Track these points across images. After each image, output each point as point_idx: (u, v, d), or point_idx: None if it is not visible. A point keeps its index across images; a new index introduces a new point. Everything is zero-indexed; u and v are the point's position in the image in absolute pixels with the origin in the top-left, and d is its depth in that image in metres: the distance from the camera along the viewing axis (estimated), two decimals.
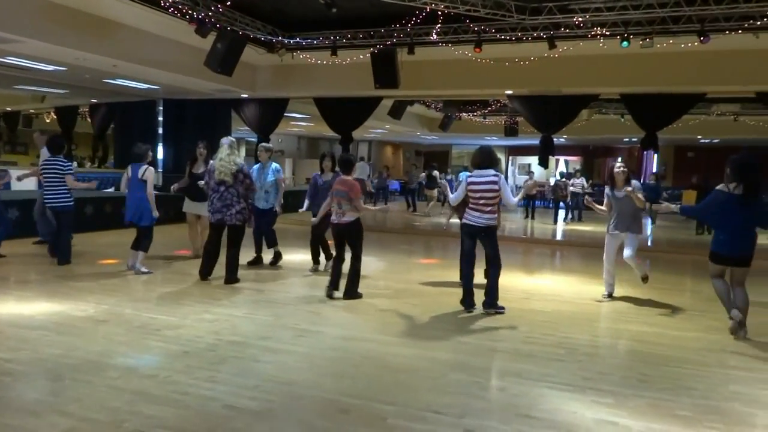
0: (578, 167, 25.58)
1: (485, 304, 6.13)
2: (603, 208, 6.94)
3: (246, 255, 8.36)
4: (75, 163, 20.50)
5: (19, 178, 9.78)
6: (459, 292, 6.56)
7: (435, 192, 18.49)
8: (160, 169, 15.43)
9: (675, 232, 15.31)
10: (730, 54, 10.21)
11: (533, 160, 26.33)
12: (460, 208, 6.33)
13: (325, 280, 7.02)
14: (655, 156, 25.62)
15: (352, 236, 6.51)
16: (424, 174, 19.37)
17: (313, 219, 7.21)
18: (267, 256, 8.60)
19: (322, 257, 8.22)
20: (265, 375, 4.18)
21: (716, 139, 20.96)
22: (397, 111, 16.48)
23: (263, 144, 8.80)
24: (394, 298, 6.83)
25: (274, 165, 8.50)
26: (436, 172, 18.83)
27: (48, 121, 21.19)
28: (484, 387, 4.07)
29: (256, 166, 8.50)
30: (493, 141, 25.97)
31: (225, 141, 7.09)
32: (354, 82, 12.35)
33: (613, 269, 7.03)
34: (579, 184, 17.36)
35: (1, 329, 5.03)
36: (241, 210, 7.04)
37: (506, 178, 6.19)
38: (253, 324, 5.51)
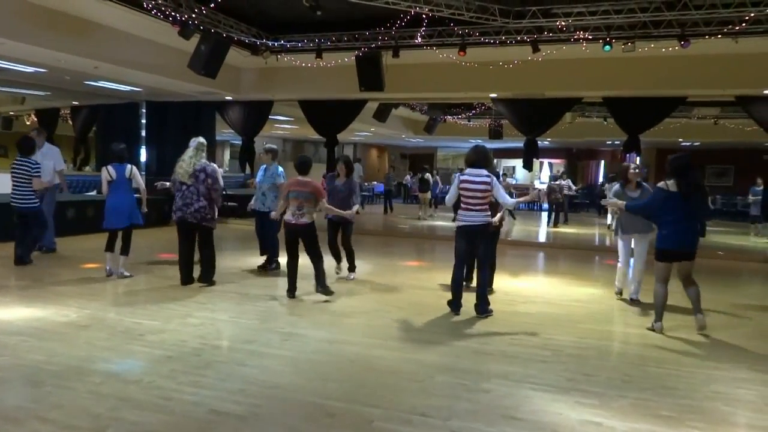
0: (563, 170, 25.81)
1: (478, 310, 6.09)
2: (619, 203, 6.58)
3: (254, 258, 8.33)
4: None
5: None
6: (445, 295, 6.58)
7: (428, 195, 18.51)
8: (143, 172, 15.28)
9: None
10: (710, 58, 10.37)
11: (518, 163, 26.52)
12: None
13: (340, 284, 7.13)
14: (638, 159, 25.91)
15: (307, 238, 6.60)
16: (408, 176, 19.39)
17: (273, 213, 7.14)
18: (257, 260, 8.52)
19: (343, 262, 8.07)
20: (251, 379, 4.15)
21: (697, 142, 21.23)
22: (382, 114, 16.48)
23: (266, 146, 8.61)
24: (379, 300, 6.83)
25: (279, 168, 8.34)
26: (428, 175, 18.84)
27: (28, 123, 20.87)
28: (470, 389, 4.08)
29: (263, 167, 8.41)
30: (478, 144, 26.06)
31: (192, 143, 7.06)
32: (339, 85, 12.35)
33: (626, 269, 7.13)
34: (565, 186, 17.53)
35: None
36: (200, 208, 6.90)
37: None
38: (238, 328, 5.48)
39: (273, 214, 7.14)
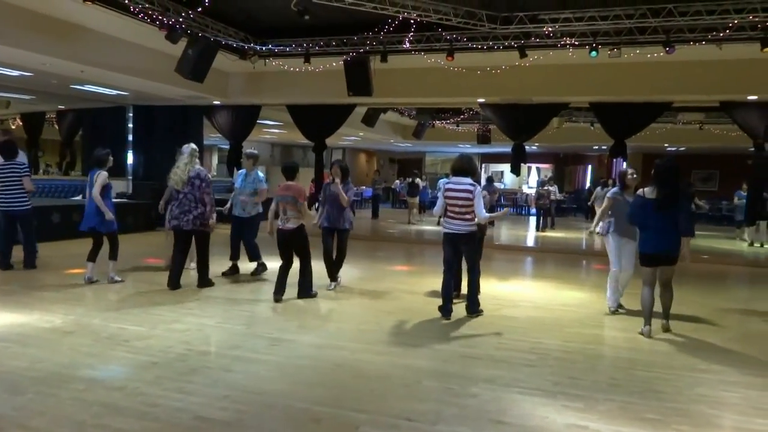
0: (550, 175, 25.95)
1: (468, 309, 6.31)
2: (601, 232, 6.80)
3: (221, 264, 8.30)
4: (41, 170, 20.08)
5: None
6: (434, 300, 6.60)
7: (417, 200, 18.53)
8: (130, 177, 15.18)
9: None
10: (695, 64, 10.48)
11: (506, 168, 26.63)
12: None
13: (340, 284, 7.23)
14: (624, 164, 26.11)
15: (297, 243, 6.64)
16: (398, 181, 19.40)
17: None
18: (243, 265, 8.46)
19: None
20: (237, 385, 4.12)
21: (683, 147, 21.43)
22: (370, 118, 16.49)
23: (247, 151, 8.63)
24: (368, 305, 6.82)
25: (259, 174, 8.37)
26: (418, 180, 18.85)
27: (14, 127, 20.66)
28: (457, 394, 4.08)
29: (240, 172, 8.43)
30: (467, 148, 26.16)
31: (185, 149, 7.08)
32: (327, 90, 12.34)
33: (619, 273, 6.97)
34: (553, 191, 17.67)
35: None
36: (198, 215, 6.96)
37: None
38: (225, 333, 5.44)
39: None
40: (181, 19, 9.24)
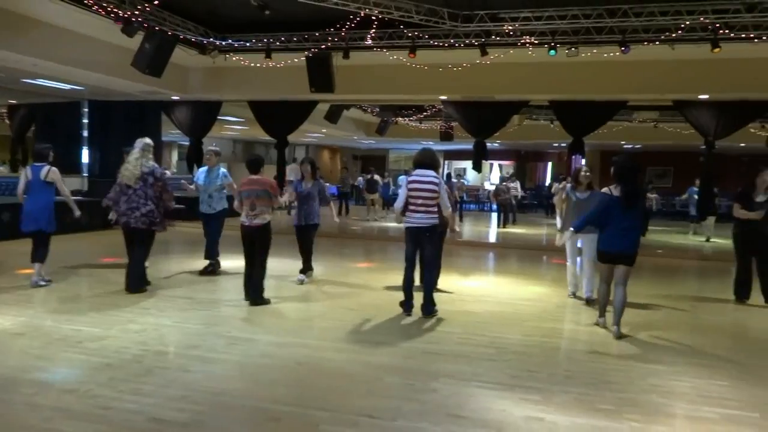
0: (512, 171, 26.32)
1: (423, 310, 6.15)
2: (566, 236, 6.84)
3: (201, 261, 8.18)
4: None
5: None
6: (395, 296, 6.61)
7: (376, 196, 18.57)
8: (85, 174, 14.77)
9: None
10: (649, 64, 10.75)
11: (468, 164, 26.87)
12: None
13: (290, 286, 6.99)
14: (583, 160, 26.67)
15: (261, 240, 6.39)
16: (361, 178, 19.40)
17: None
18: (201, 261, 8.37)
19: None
20: (195, 385, 4.06)
21: (638, 144, 22.01)
22: (333, 115, 16.40)
23: (210, 147, 8.60)
24: (330, 302, 6.80)
25: (223, 169, 8.27)
26: (377, 177, 18.89)
27: None
28: (418, 389, 4.11)
29: (202, 170, 8.31)
30: (429, 145, 26.27)
31: (138, 144, 6.83)
32: (289, 86, 12.22)
33: (575, 268, 7.31)
34: (514, 187, 17.99)
35: None
36: (147, 213, 6.69)
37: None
38: (183, 333, 5.35)
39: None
40: (137, 12, 9.02)
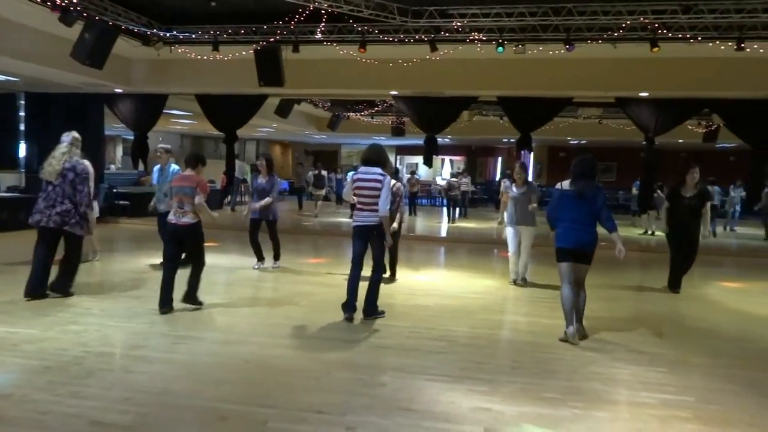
0: (463, 166, 26.65)
1: (365, 313, 5.89)
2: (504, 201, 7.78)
3: (147, 258, 7.96)
4: None
5: None
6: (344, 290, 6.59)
7: (323, 191, 18.54)
8: (23, 169, 14.14)
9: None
10: (593, 62, 11.07)
11: (420, 159, 27.06)
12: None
13: (252, 278, 6.86)
14: (531, 155, 27.29)
15: (191, 240, 5.95)
16: (311, 173, 19.30)
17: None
18: (149, 260, 8.14)
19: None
20: (138, 386, 3.95)
21: (584, 140, 22.66)
22: (283, 109, 16.20)
23: (161, 145, 8.51)
24: (280, 298, 6.74)
25: (174, 166, 8.07)
26: (324, 172, 18.83)
27: None
28: (367, 384, 4.12)
29: (156, 168, 8.22)
30: (381, 140, 26.26)
31: (65, 138, 6.36)
32: (237, 79, 12.01)
33: (516, 258, 7.78)
34: (465, 182, 18.30)
35: None
36: (64, 212, 6.15)
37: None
38: (126, 333, 5.19)
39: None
40: (75, 1, 8.67)
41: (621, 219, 18.53)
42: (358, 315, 5.85)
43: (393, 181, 6.32)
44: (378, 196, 5.66)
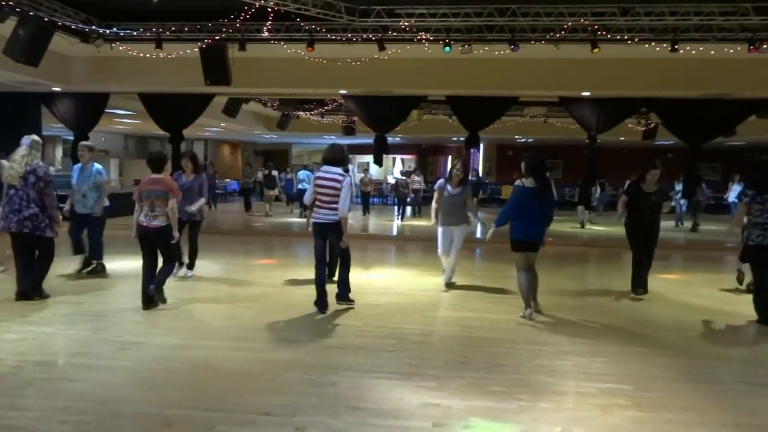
0: (414, 165, 26.86)
1: (337, 297, 6.33)
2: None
3: (66, 265, 7.65)
4: None
5: None
6: (297, 292, 6.59)
7: (275, 192, 18.36)
8: None
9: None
10: (537, 62, 11.33)
11: (371, 159, 27.12)
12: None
13: (198, 281, 6.91)
14: (481, 154, 27.80)
15: (162, 241, 6.05)
16: (260, 173, 19.08)
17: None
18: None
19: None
20: (79, 395, 3.82)
21: (531, 138, 23.19)
22: (231, 109, 15.93)
23: (83, 143, 8.12)
24: (229, 301, 6.63)
25: (97, 166, 7.82)
26: (275, 172, 18.65)
27: None
28: (317, 384, 4.11)
29: (76, 167, 7.88)
30: (332, 140, 26.24)
31: (25, 141, 6.29)
32: (183, 78, 11.73)
33: (447, 258, 7.63)
34: (418, 181, 18.47)
35: None
36: (30, 216, 6.13)
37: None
38: (67, 340, 5.01)
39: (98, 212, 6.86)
40: None
41: (568, 215, 19.14)
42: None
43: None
44: (337, 195, 5.88)
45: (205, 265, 8.39)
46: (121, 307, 6.15)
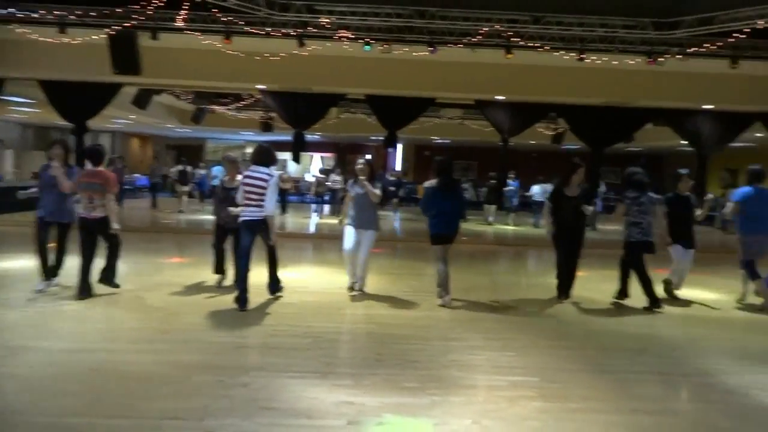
0: (334, 164, 26.77)
1: (270, 289, 6.69)
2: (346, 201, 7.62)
3: None
4: None
5: None
6: (207, 291, 6.37)
7: (188, 188, 17.77)
8: None
9: (419, 223, 16.95)
10: (454, 65, 11.62)
11: (289, 156, 26.79)
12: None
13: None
14: (399, 153, 28.14)
15: (103, 230, 6.26)
16: (173, 169, 18.37)
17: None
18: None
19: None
20: None
21: (447, 139, 23.74)
22: (141, 100, 15.21)
23: None
24: (136, 302, 6.30)
25: None
26: (189, 167, 18.05)
27: None
28: (228, 385, 3.99)
29: None
30: (249, 136, 25.74)
31: None
32: (88, 66, 11.09)
33: (352, 257, 7.22)
34: (338, 180, 18.39)
35: None
36: None
37: None
38: None
39: None
40: None
41: (480, 215, 19.73)
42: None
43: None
44: (264, 194, 6.08)
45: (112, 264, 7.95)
46: (16, 310, 5.71)
